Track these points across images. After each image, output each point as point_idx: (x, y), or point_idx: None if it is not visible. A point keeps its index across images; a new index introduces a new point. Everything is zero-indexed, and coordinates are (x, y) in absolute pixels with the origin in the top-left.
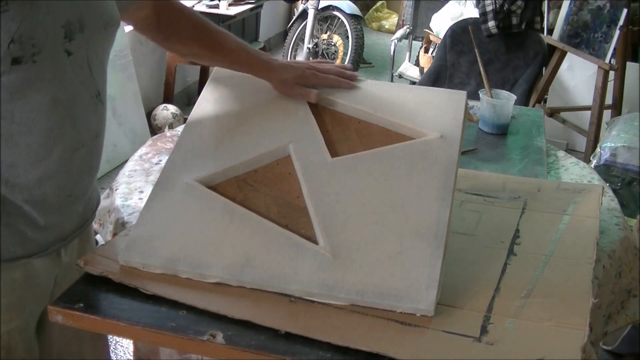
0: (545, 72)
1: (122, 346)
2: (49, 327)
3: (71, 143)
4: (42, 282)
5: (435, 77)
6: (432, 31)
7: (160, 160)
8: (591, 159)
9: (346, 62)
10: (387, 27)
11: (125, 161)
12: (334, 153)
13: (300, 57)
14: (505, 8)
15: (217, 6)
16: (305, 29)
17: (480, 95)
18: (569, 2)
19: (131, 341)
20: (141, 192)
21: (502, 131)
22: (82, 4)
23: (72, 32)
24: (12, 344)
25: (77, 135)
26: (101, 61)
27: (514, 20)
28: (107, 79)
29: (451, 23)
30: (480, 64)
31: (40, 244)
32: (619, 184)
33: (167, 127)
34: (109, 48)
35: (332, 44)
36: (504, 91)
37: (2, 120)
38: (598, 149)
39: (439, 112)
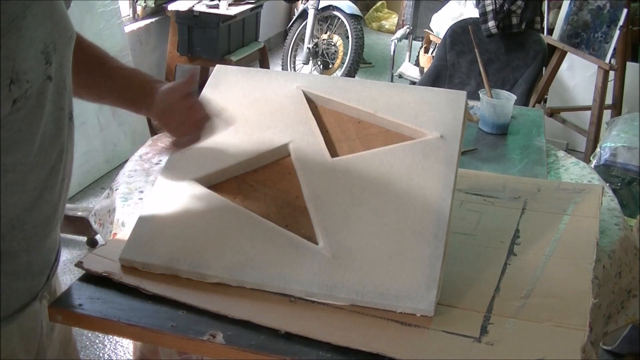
0: (545, 72)
1: (122, 346)
2: None
3: (60, 177)
4: (33, 331)
5: (435, 77)
6: (432, 31)
7: (160, 160)
8: (591, 159)
9: (346, 62)
10: (387, 27)
11: (125, 161)
12: (334, 153)
13: (300, 57)
14: (505, 8)
15: (217, 6)
16: (305, 29)
17: (480, 95)
18: (569, 2)
19: (131, 341)
20: (141, 192)
21: (502, 131)
22: (51, 23)
23: (49, 55)
24: None
25: (63, 170)
26: (70, 77)
27: (514, 20)
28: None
29: (451, 23)
30: (480, 64)
31: (32, 291)
32: (619, 184)
33: None
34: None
35: (332, 44)
36: (504, 91)
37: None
38: (598, 149)
39: (439, 112)
